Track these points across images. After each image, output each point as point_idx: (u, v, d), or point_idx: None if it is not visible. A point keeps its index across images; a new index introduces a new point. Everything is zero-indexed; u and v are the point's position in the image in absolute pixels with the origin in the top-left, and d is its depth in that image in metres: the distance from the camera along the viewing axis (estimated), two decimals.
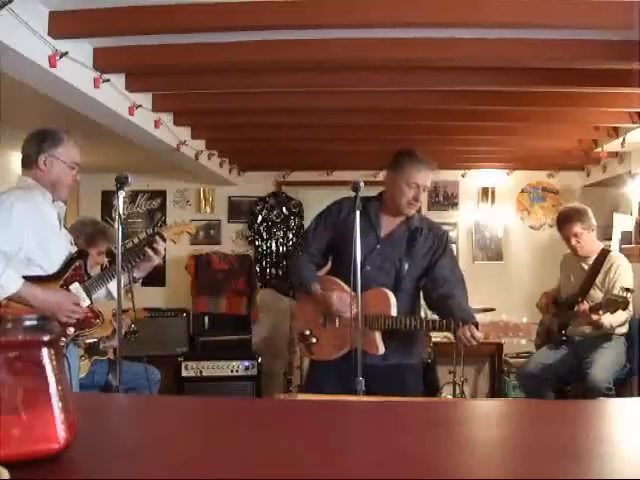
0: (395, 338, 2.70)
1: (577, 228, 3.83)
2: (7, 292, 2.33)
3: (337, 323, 2.77)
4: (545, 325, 4.16)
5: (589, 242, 3.88)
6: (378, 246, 2.79)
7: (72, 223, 3.69)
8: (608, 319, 3.61)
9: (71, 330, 2.57)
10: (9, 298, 2.35)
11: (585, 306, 3.65)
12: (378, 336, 2.68)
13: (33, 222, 2.46)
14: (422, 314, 3.08)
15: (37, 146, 2.57)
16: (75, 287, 2.61)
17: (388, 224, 2.84)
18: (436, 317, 2.81)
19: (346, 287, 2.69)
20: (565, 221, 3.88)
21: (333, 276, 2.85)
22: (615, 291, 3.58)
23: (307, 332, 2.83)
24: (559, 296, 4.13)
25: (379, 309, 2.66)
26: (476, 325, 2.57)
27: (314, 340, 2.82)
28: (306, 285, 2.82)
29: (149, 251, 2.70)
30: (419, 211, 2.94)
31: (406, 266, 2.77)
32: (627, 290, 3.47)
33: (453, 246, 6.34)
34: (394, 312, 2.68)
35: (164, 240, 2.77)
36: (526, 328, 2.65)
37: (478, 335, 2.57)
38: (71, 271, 2.61)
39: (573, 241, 3.86)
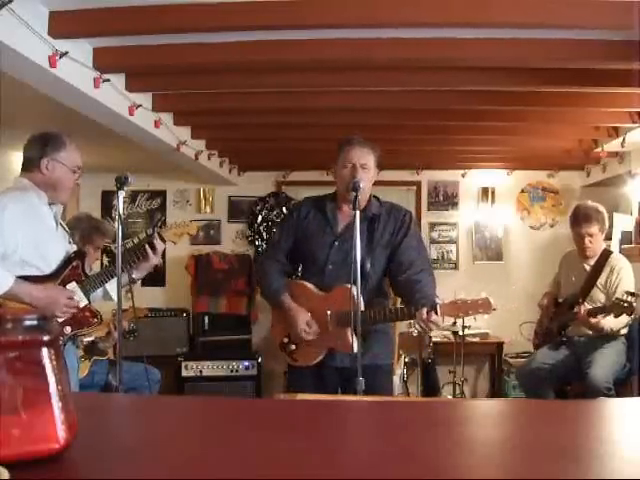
0: (365, 339, 2.60)
1: (594, 229, 3.76)
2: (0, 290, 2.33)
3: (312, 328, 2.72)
4: (544, 325, 4.16)
5: (599, 244, 3.86)
6: (336, 243, 2.73)
7: (67, 220, 3.69)
8: (608, 323, 3.61)
9: (68, 329, 2.57)
10: (3, 297, 2.35)
11: (585, 310, 3.64)
12: (349, 333, 2.60)
13: (27, 223, 2.46)
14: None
15: (40, 149, 2.57)
16: (72, 287, 2.62)
17: (344, 218, 2.76)
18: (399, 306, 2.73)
19: (314, 289, 2.71)
20: (584, 220, 3.77)
21: (303, 278, 2.83)
22: (619, 295, 3.58)
23: (285, 340, 2.81)
24: (558, 295, 4.13)
25: (346, 306, 2.53)
26: (434, 309, 2.44)
27: (293, 347, 2.81)
28: (276, 298, 2.80)
29: (149, 250, 2.71)
30: (378, 199, 2.83)
31: (368, 260, 2.67)
32: (632, 295, 3.46)
33: (453, 247, 6.35)
34: (361, 307, 2.55)
35: (163, 241, 2.78)
36: (485, 303, 2.48)
37: (435, 318, 2.45)
38: (68, 271, 2.61)
39: (586, 241, 3.79)
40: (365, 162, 2.69)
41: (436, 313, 2.45)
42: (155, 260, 2.75)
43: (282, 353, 2.93)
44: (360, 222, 2.52)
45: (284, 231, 2.90)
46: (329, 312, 2.64)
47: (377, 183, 2.80)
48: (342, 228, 2.75)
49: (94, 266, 3.74)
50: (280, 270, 2.85)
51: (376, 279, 2.74)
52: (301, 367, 2.83)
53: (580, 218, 3.82)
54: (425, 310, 2.46)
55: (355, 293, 2.46)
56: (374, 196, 2.82)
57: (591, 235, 3.79)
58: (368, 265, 2.67)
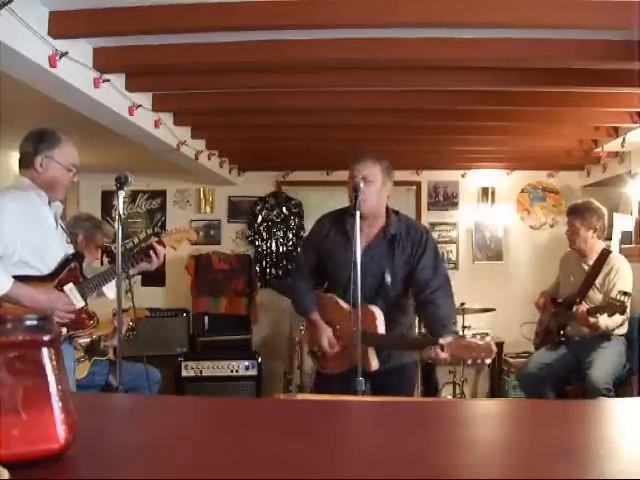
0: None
1: (576, 222, 3.88)
2: None
3: (339, 340, 2.84)
4: (544, 325, 4.16)
5: (584, 240, 3.89)
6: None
7: (67, 220, 3.70)
8: (605, 321, 3.62)
9: (64, 330, 2.56)
10: (0, 299, 2.34)
11: (583, 308, 3.64)
12: (371, 352, 2.68)
13: (27, 223, 2.45)
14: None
15: (34, 146, 2.55)
16: (69, 288, 2.60)
17: (366, 236, 2.76)
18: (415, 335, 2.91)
19: (344, 304, 2.77)
20: (570, 212, 3.99)
21: (330, 292, 2.92)
22: (613, 294, 3.59)
23: (316, 348, 2.91)
24: (558, 295, 4.13)
25: (367, 326, 2.60)
26: (442, 347, 2.50)
27: (321, 354, 2.89)
28: (306, 315, 2.95)
29: (153, 256, 2.72)
30: (397, 213, 2.87)
31: (388, 278, 2.75)
32: (625, 294, 3.47)
33: (453, 247, 6.35)
34: (381, 329, 2.68)
35: (163, 246, 2.79)
36: (487, 347, 2.48)
37: (442, 357, 2.52)
38: (66, 272, 2.60)
39: (568, 231, 3.97)
40: (367, 174, 2.68)
41: (442, 350, 2.51)
42: (155, 265, 2.77)
43: (312, 359, 3.06)
44: (380, 241, 2.74)
45: (307, 250, 3.02)
46: (355, 329, 2.61)
47: None
48: (364, 247, 2.71)
49: (95, 264, 3.75)
50: (308, 287, 2.96)
51: (395, 295, 2.80)
52: (323, 377, 2.96)
53: (568, 210, 4.04)
54: (433, 349, 2.52)
55: (378, 317, 2.66)
56: (394, 211, 2.86)
57: (571, 227, 3.91)
58: (388, 279, 2.74)
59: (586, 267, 3.92)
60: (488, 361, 2.53)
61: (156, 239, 2.81)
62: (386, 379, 2.74)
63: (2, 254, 2.37)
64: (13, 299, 2.36)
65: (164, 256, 2.82)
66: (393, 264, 2.75)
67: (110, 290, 2.77)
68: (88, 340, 3.65)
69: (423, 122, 4.35)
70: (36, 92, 2.89)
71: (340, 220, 2.82)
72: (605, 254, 3.90)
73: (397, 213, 2.87)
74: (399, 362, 2.83)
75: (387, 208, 2.82)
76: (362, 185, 2.53)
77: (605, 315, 3.57)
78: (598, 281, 3.84)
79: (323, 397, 2.32)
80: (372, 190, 2.67)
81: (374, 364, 2.68)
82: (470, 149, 5.40)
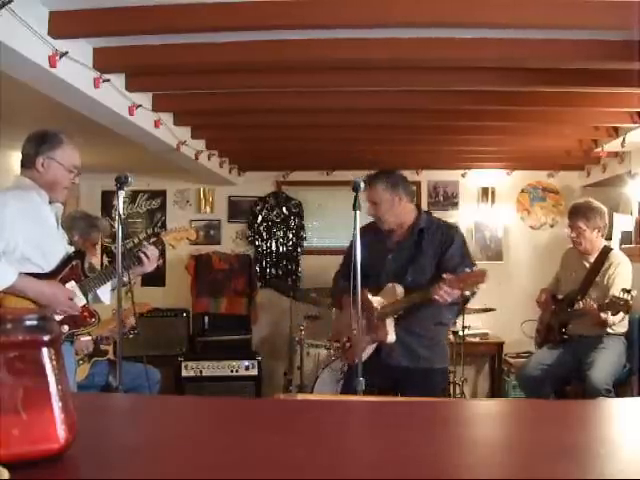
0: (422, 346, 3.03)
1: (580, 223, 3.85)
2: (3, 284, 2.34)
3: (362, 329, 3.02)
4: (545, 322, 4.15)
5: (589, 241, 3.88)
6: (389, 255, 3.09)
7: (63, 219, 3.71)
8: (611, 318, 3.62)
9: (66, 328, 2.57)
10: (5, 291, 2.36)
11: (594, 305, 3.63)
12: (389, 324, 2.95)
13: (29, 222, 2.46)
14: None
15: (36, 147, 2.57)
16: (71, 285, 2.62)
17: (398, 235, 3.11)
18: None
19: (368, 293, 2.99)
20: (572, 213, 3.95)
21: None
22: (614, 291, 3.59)
23: (345, 339, 3.14)
24: (557, 291, 4.13)
25: (389, 300, 2.97)
26: (444, 281, 2.74)
27: (348, 345, 3.11)
28: (334, 298, 3.33)
29: (144, 258, 2.71)
30: (429, 213, 3.22)
31: (410, 270, 3.01)
32: (627, 292, 3.47)
33: None
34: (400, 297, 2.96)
35: (163, 245, 2.80)
36: (480, 273, 2.75)
37: (444, 289, 2.74)
38: (68, 270, 2.61)
39: (572, 234, 3.92)
40: (372, 199, 3.06)
41: (444, 284, 2.74)
42: (149, 267, 2.76)
43: (337, 351, 3.34)
44: (409, 236, 3.07)
45: (350, 250, 3.19)
46: (377, 307, 2.99)
47: None
48: (394, 243, 3.12)
49: (94, 261, 3.76)
50: (344, 277, 3.09)
51: (417, 286, 2.98)
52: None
53: (570, 211, 4.00)
54: (437, 285, 2.76)
55: (399, 290, 2.95)
56: (426, 212, 3.21)
57: (577, 229, 3.87)
58: (408, 275, 3.01)
59: (587, 264, 3.92)
60: (482, 285, 2.78)
61: (148, 241, 2.81)
62: (411, 380, 2.97)
63: (4, 250, 2.38)
64: (19, 291, 2.39)
65: (160, 256, 2.81)
66: (418, 256, 3.02)
67: (105, 294, 2.78)
68: (91, 349, 3.65)
69: (423, 122, 4.35)
70: (36, 92, 2.89)
71: (376, 226, 3.17)
72: (606, 251, 3.90)
73: (429, 213, 3.22)
74: (428, 365, 3.03)
75: (418, 208, 3.18)
76: (362, 185, 2.55)
77: (607, 313, 3.57)
78: (599, 278, 3.84)
79: (323, 397, 2.33)
80: (384, 209, 3.05)
81: (390, 337, 2.95)
82: (470, 149, 5.40)
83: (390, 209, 3.04)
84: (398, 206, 3.05)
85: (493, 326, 5.85)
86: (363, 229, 3.16)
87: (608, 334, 3.78)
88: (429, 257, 3.01)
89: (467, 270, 2.79)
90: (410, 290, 2.97)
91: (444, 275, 2.73)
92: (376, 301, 3.00)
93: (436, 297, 2.78)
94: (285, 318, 5.78)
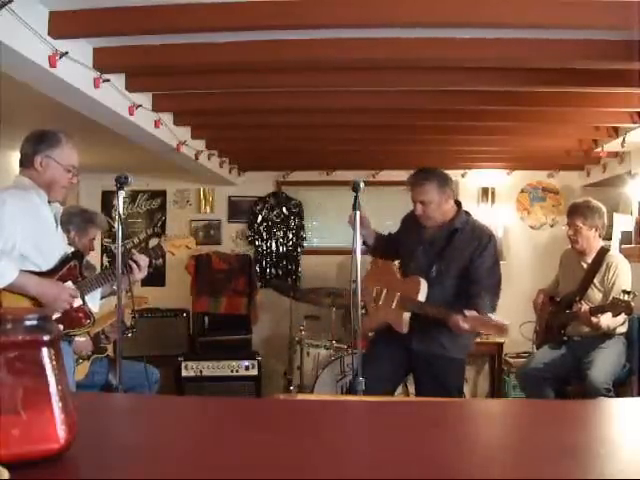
0: (426, 328, 3.03)
1: (578, 222, 3.85)
2: (5, 281, 2.34)
3: (381, 301, 3.17)
4: (543, 323, 4.15)
5: (587, 239, 3.88)
6: (421, 247, 3.18)
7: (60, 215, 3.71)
8: (606, 321, 3.61)
9: (60, 327, 2.57)
10: (6, 288, 2.36)
11: (586, 308, 3.64)
12: (406, 316, 3.02)
13: (28, 221, 2.46)
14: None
15: (34, 146, 2.57)
16: (69, 286, 2.62)
17: (433, 228, 3.17)
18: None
19: (397, 272, 3.27)
20: (571, 211, 3.96)
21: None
22: (615, 293, 3.58)
23: (368, 299, 3.25)
24: (556, 293, 4.13)
25: (409, 292, 3.03)
26: (464, 317, 2.78)
27: (364, 311, 3.17)
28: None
29: (134, 266, 2.71)
30: (467, 213, 3.26)
31: (436, 264, 3.08)
32: (628, 293, 3.46)
33: None
34: (421, 297, 3.01)
35: (163, 252, 2.81)
36: (500, 327, 2.79)
37: (462, 325, 2.79)
38: (66, 270, 2.62)
39: (570, 232, 3.93)
40: (423, 199, 3.10)
41: (463, 320, 2.79)
42: (139, 276, 2.75)
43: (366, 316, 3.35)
44: (442, 232, 3.13)
45: (396, 230, 3.45)
46: (398, 294, 3.09)
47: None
48: (427, 235, 3.19)
49: (91, 256, 3.75)
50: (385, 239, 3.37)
51: (446, 280, 3.08)
52: (378, 342, 3.27)
53: (569, 210, 4.01)
54: (457, 317, 2.81)
55: (422, 287, 3.01)
56: (465, 211, 3.24)
57: (574, 226, 3.87)
58: (434, 269, 3.07)
59: (585, 265, 3.92)
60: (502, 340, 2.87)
61: (135, 252, 2.80)
62: (428, 365, 3.04)
63: (2, 248, 2.38)
64: (20, 288, 2.40)
65: (150, 264, 2.79)
66: (447, 251, 3.09)
67: (94, 302, 2.78)
68: (90, 350, 3.64)
69: (423, 122, 4.35)
70: (36, 92, 2.89)
71: (415, 217, 3.23)
72: (603, 252, 3.89)
73: (468, 214, 3.24)
74: (443, 353, 3.07)
75: (459, 206, 3.22)
76: (362, 185, 2.55)
77: (608, 315, 3.56)
78: (597, 279, 3.84)
79: (323, 397, 2.33)
80: (432, 208, 3.10)
81: (404, 328, 3.03)
82: (470, 149, 5.40)
83: (438, 208, 3.11)
84: (445, 204, 3.13)
85: None
86: (407, 216, 3.39)
87: (607, 334, 3.78)
88: (456, 258, 3.07)
89: (487, 302, 2.92)
90: (431, 286, 3.04)
91: (466, 312, 2.77)
92: (400, 287, 3.09)
93: (450, 325, 2.85)
94: (285, 318, 5.78)
